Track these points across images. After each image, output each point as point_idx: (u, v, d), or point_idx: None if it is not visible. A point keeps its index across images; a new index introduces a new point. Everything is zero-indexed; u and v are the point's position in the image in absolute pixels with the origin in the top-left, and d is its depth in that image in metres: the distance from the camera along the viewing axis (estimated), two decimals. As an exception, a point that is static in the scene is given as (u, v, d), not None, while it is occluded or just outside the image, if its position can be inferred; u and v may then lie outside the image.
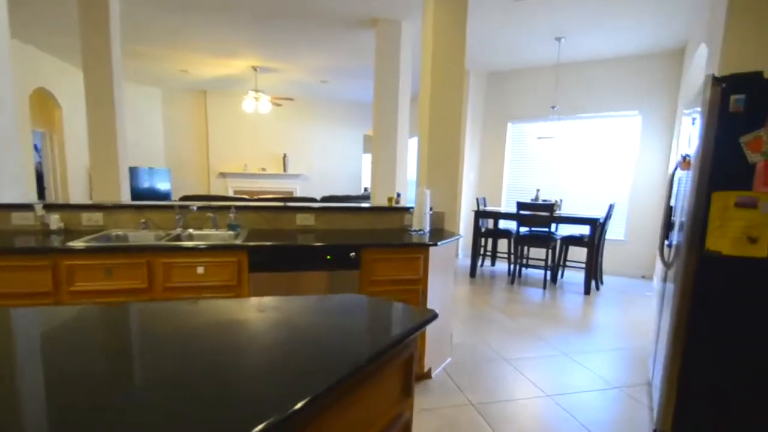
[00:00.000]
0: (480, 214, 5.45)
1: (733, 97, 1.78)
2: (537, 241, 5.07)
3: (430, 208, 3.04)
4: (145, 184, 8.04)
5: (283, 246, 2.31)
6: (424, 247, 2.49)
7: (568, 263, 5.87)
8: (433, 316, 1.26)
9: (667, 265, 2.40)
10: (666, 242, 2.46)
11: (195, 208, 2.69)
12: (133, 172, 7.69)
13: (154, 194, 8.11)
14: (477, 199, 5.81)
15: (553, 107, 5.46)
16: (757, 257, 1.79)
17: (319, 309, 1.31)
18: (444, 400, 2.48)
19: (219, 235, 2.66)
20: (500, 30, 4.88)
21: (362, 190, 10.05)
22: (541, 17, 4.52)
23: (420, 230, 2.87)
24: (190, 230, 2.67)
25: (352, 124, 9.62)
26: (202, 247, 2.22)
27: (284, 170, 9.32)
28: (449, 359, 3.05)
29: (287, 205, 2.88)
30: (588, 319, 3.97)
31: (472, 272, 5.52)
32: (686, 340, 1.98)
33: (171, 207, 2.74)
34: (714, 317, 1.90)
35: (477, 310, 4.12)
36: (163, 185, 8.42)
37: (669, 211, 2.43)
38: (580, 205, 6.24)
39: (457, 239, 2.89)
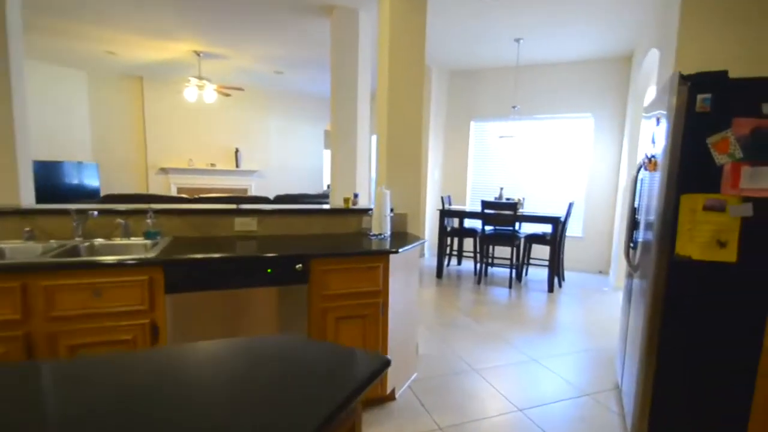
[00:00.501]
0: (445, 213, 5.40)
1: (699, 97, 1.76)
2: (502, 239, 5.08)
3: (391, 210, 2.92)
4: (73, 180, 7.37)
5: (207, 260, 1.96)
6: (383, 255, 2.36)
7: (531, 261, 5.94)
8: (384, 364, 1.01)
9: (633, 268, 2.41)
10: (631, 244, 2.46)
11: (95, 213, 2.28)
12: (55, 167, 7.02)
13: (82, 193, 7.47)
14: (442, 198, 5.77)
15: (513, 107, 5.49)
16: (726, 261, 1.79)
17: (224, 372, 0.95)
18: (409, 425, 2.33)
19: (130, 246, 2.32)
20: (461, 28, 4.83)
21: (324, 188, 9.84)
22: (499, 18, 4.50)
23: (380, 235, 2.75)
24: (98, 240, 2.31)
25: (311, 118, 9.37)
26: (100, 262, 1.81)
27: (236, 166, 8.94)
28: (415, 375, 2.94)
29: (222, 208, 2.65)
30: (553, 319, 3.99)
31: (439, 273, 5.47)
32: (659, 348, 1.96)
33: (66, 212, 2.30)
34: (686, 323, 1.89)
35: (444, 315, 4.06)
36: (93, 182, 7.79)
37: (633, 212, 2.43)
38: (541, 204, 6.33)
39: (421, 244, 2.79)
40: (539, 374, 2.94)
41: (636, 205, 2.44)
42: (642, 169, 2.32)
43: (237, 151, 8.89)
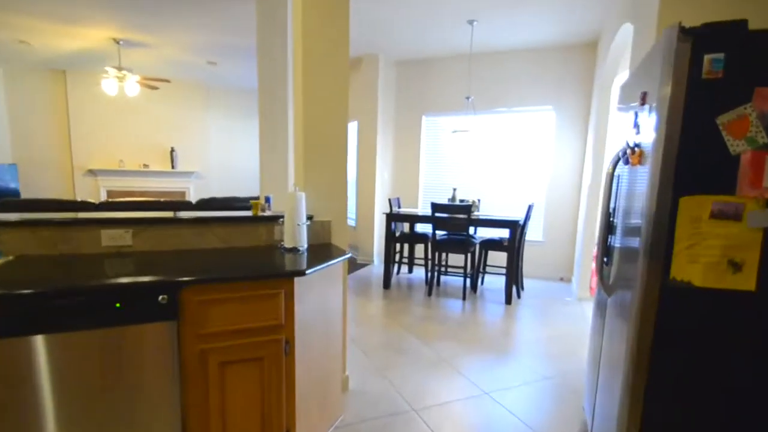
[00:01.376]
0: (392, 218, 4.82)
1: (707, 57, 1.23)
2: (455, 246, 4.55)
3: (309, 217, 2.30)
4: (-2, 183, 6.42)
5: (16, 296, 1.33)
6: (284, 279, 1.73)
7: (488, 268, 5.46)
8: None
9: (607, 290, 1.88)
10: (605, 258, 1.94)
11: None
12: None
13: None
14: (390, 200, 5.18)
15: (467, 98, 4.99)
16: (742, 290, 1.27)
17: None
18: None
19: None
20: (408, 10, 4.26)
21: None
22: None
23: (294, 248, 2.12)
24: None
25: (252, 115, 8.58)
26: None
27: (172, 167, 8.07)
28: (341, 417, 2.33)
29: (83, 218, 1.96)
30: (511, 339, 3.48)
31: (386, 283, 4.88)
32: (645, 403, 1.43)
33: None
34: (685, 372, 1.37)
35: (388, 335, 3.46)
36: (12, 185, 6.83)
37: (608, 217, 1.91)
38: (498, 206, 5.87)
39: (344, 259, 2.18)
40: (491, 414, 2.39)
41: (611, 208, 1.92)
42: (619, 162, 1.80)
43: (173, 150, 8.01)
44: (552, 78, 5.42)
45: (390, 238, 4.85)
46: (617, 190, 1.87)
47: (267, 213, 2.31)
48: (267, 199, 2.40)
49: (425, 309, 4.15)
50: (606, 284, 1.88)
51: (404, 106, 6.24)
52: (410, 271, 5.70)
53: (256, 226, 2.29)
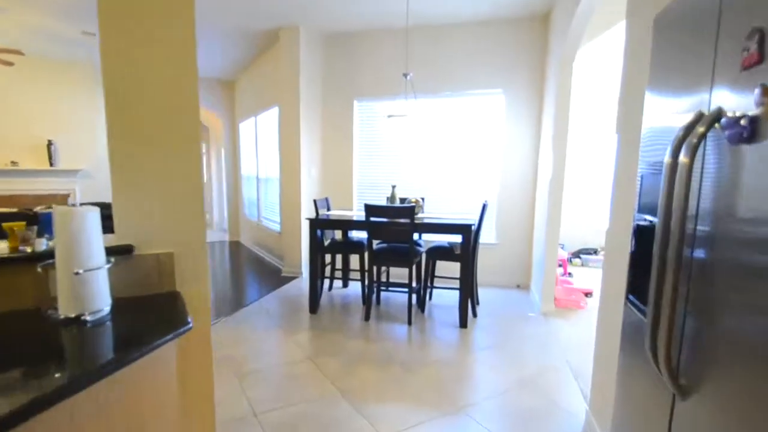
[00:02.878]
0: (316, 224, 3.79)
1: None
2: (396, 258, 3.62)
3: (127, 250, 1.25)
4: None
5: None
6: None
7: (437, 278, 4.59)
8: None
9: (678, 387, 0.98)
10: (645, 307, 1.04)
11: None
12: None
13: None
14: (315, 202, 4.15)
15: (405, 75, 4.06)
16: None
17: None
18: None
19: None
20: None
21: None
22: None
23: (78, 318, 1.06)
24: None
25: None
26: None
27: (51, 164, 6.50)
28: None
29: None
30: (473, 391, 2.59)
31: (313, 306, 3.85)
32: None
33: None
34: None
35: (306, 400, 2.45)
36: None
37: (682, 232, 1.01)
38: (445, 205, 5.02)
39: (177, 335, 1.15)
40: None
41: (679, 215, 1.02)
42: (700, 144, 0.89)
43: (50, 144, 6.44)
44: (500, 56, 4.63)
45: (316, 249, 3.83)
46: (704, 178, 0.97)
47: (31, 248, 1.22)
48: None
49: (362, 343, 3.18)
50: (669, 369, 0.98)
51: (332, 88, 5.21)
52: (345, 285, 4.71)
53: (15, 273, 1.19)
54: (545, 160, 4.16)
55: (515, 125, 4.68)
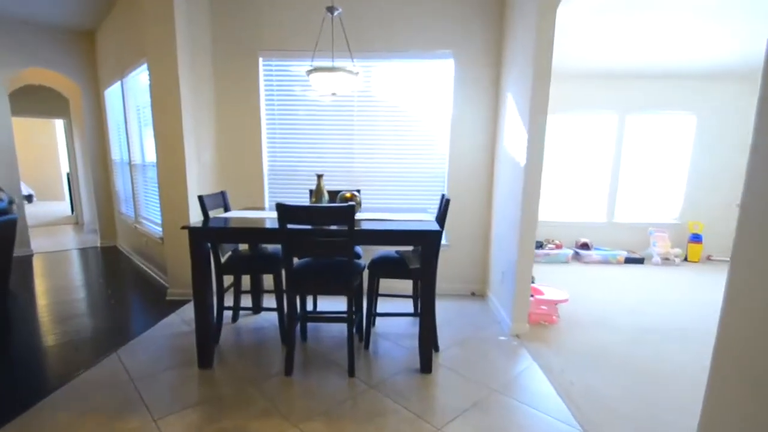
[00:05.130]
0: (199, 234, 2.50)
1: None
2: (328, 282, 2.48)
3: None
4: None
5: None
6: None
7: (380, 298, 3.53)
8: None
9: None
10: None
11: None
12: None
13: None
14: (201, 200, 2.82)
15: (331, 10, 2.87)
16: None
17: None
18: None
19: None
20: None
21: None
22: None
23: None
24: None
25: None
26: None
27: None
28: None
29: None
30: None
31: (203, 357, 2.57)
32: None
33: None
34: None
35: None
36: None
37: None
38: (385, 197, 3.96)
39: None
40: None
41: None
42: None
43: None
44: (450, 9, 3.61)
45: (203, 271, 2.54)
46: None
47: None
48: None
49: (278, 423, 2.02)
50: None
51: (226, 38, 3.82)
52: (257, 311, 3.46)
53: None
54: (511, 142, 3.26)
55: (466, 97, 3.73)
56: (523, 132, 2.98)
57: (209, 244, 2.60)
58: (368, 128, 3.85)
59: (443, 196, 2.98)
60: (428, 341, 2.48)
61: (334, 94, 2.73)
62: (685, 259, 5.40)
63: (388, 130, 3.84)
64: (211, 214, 3.48)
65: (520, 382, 2.39)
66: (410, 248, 3.04)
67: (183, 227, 2.50)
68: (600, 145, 5.53)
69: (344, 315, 3.22)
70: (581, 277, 4.65)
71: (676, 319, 3.39)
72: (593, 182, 5.61)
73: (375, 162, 3.89)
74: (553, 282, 4.39)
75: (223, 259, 2.94)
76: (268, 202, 3.99)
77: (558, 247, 5.41)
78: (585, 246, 5.49)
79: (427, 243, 2.41)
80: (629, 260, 5.29)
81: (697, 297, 4.00)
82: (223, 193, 3.17)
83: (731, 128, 5.36)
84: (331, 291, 2.47)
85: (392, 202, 3.94)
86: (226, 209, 3.19)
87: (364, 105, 3.82)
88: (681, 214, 5.57)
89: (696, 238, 5.34)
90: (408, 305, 3.64)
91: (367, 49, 3.70)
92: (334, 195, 3.26)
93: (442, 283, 3.99)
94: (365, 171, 3.90)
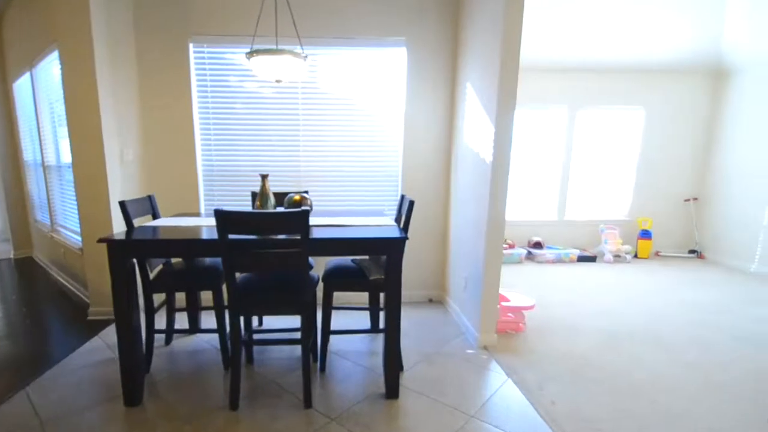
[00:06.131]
0: (122, 248, 2.06)
1: None
2: (277, 298, 2.12)
3: None
4: None
5: None
6: None
7: (338, 308, 3.20)
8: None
9: None
10: None
11: None
12: None
13: None
14: (122, 206, 2.37)
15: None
16: None
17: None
18: None
19: None
20: None
21: None
22: None
23: None
24: None
25: None
26: None
27: None
28: None
29: None
30: None
31: (131, 393, 2.14)
32: None
33: None
34: None
35: None
36: None
37: None
38: (336, 197, 3.63)
39: None
40: None
41: None
42: None
43: None
44: (406, -7, 3.37)
45: (126, 285, 2.10)
46: None
47: None
48: None
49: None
50: None
51: (150, 20, 3.33)
52: (194, 330, 3.01)
53: None
54: (473, 137, 3.04)
55: (421, 88, 3.49)
56: (488, 126, 2.77)
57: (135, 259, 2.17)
58: (315, 123, 3.51)
59: (404, 197, 2.71)
60: (394, 362, 2.19)
61: (278, 80, 2.37)
62: (635, 256, 5.50)
63: (338, 125, 3.53)
64: (138, 222, 3.00)
65: (498, 404, 2.16)
66: (367, 256, 2.74)
67: (100, 240, 2.05)
68: (550, 140, 5.50)
69: (297, 336, 2.87)
70: (537, 277, 4.56)
71: (640, 320, 3.33)
72: (544, 179, 5.58)
73: (324, 160, 3.56)
74: (509, 284, 4.26)
75: (152, 275, 2.50)
76: (204, 207, 3.54)
77: (511, 246, 5.32)
78: (538, 245, 5.45)
79: (393, 252, 2.12)
80: (582, 258, 5.30)
81: (654, 295, 4.00)
82: (150, 198, 2.72)
83: (679, 122, 5.50)
84: (282, 310, 2.12)
85: (344, 203, 3.62)
86: (155, 216, 2.73)
87: (310, 97, 3.47)
88: (630, 211, 5.66)
89: (645, 235, 5.45)
90: (363, 318, 3.34)
91: (312, 36, 3.36)
92: (280, 197, 2.89)
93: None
94: (313, 170, 3.56)
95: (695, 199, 5.63)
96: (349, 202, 3.62)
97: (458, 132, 3.40)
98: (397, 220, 2.72)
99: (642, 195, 5.63)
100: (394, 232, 2.19)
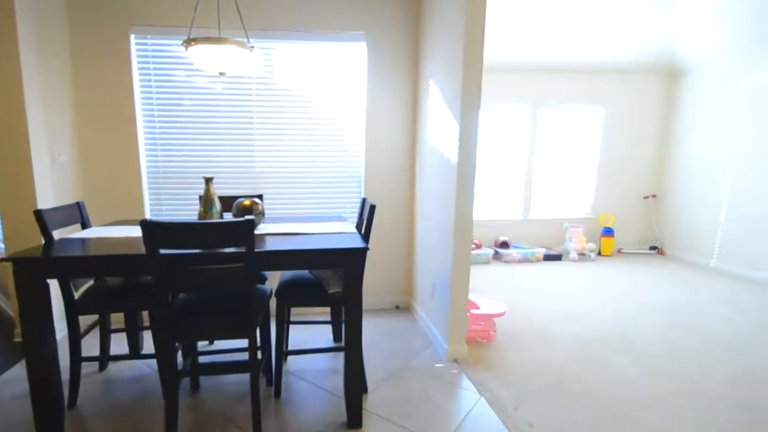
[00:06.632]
0: (36, 267, 1.70)
1: None
2: (220, 321, 1.81)
3: None
4: None
5: None
6: None
7: (293, 320, 2.89)
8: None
9: None
10: None
11: None
12: None
13: None
14: (40, 217, 1.98)
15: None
16: None
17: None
18: None
19: None
20: None
21: None
22: None
23: None
24: None
25: None
26: None
27: None
28: None
29: None
30: None
31: None
32: None
33: None
34: None
35: None
36: None
37: None
38: (296, 203, 3.32)
39: None
40: None
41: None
42: None
43: None
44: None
45: (38, 307, 1.74)
46: None
47: None
48: None
49: None
50: None
51: (86, 5, 2.92)
52: (134, 354, 2.63)
53: None
54: (438, 136, 2.81)
55: (383, 87, 3.24)
56: (453, 125, 2.53)
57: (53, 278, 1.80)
58: (271, 121, 3.19)
59: (365, 200, 2.45)
60: (356, 386, 1.92)
61: (222, 73, 2.05)
62: (599, 254, 5.44)
63: (295, 124, 3.22)
64: (64, 233, 2.60)
65: (471, 430, 1.92)
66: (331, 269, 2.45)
67: (2, 260, 1.68)
68: (514, 139, 5.37)
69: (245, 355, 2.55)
70: (505, 279, 4.39)
71: (612, 324, 3.20)
72: (509, 178, 5.44)
73: (281, 161, 3.24)
74: (477, 286, 4.07)
75: (78, 293, 2.12)
76: (150, 213, 3.16)
77: (478, 246, 5.16)
78: (504, 245, 5.31)
79: (352, 264, 1.84)
80: (548, 257, 5.19)
81: (624, 296, 3.90)
82: (79, 205, 2.34)
83: (637, 121, 5.48)
84: (227, 334, 1.80)
85: (303, 207, 3.32)
86: (85, 226, 2.35)
87: (265, 94, 3.15)
88: (593, 209, 5.61)
89: (608, 232, 5.40)
90: (325, 331, 3.06)
91: (265, 28, 3.03)
92: (230, 202, 2.57)
93: (364, 295, 3.46)
94: (269, 171, 3.24)
95: (654, 196, 5.63)
96: (308, 206, 3.32)
97: (422, 131, 3.16)
98: (359, 225, 2.45)
99: (604, 193, 5.59)
100: (354, 242, 1.92)
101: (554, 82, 5.25)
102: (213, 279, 1.65)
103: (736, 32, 4.42)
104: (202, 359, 2.56)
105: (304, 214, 3.31)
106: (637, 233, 5.70)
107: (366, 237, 2.14)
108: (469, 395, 2.22)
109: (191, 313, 1.79)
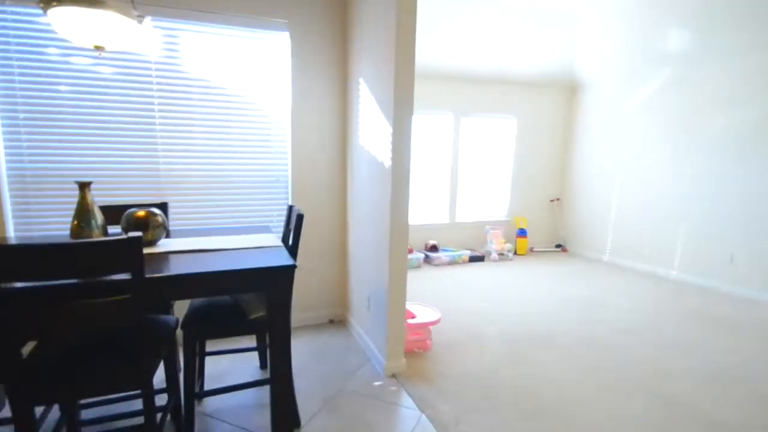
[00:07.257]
0: None
1: None
2: (95, 372, 1.33)
3: None
4: None
5: None
6: None
7: (209, 351, 2.40)
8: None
9: None
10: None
11: None
12: None
13: None
14: None
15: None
16: None
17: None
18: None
19: None
20: None
21: None
22: None
23: None
24: None
25: None
26: None
27: None
28: None
29: None
30: None
31: None
32: None
33: None
34: None
35: None
36: None
37: None
38: (211, 212, 2.82)
39: None
40: None
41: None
42: None
43: None
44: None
45: None
46: None
47: None
48: None
49: None
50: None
51: None
52: (-10, 406, 1.97)
53: None
54: (370, 138, 2.53)
55: (309, 82, 2.88)
56: (386, 128, 2.26)
57: None
58: (178, 116, 2.66)
59: (291, 208, 2.07)
60: (286, 421, 1.54)
61: (99, 48, 1.56)
62: (515, 253, 5.56)
63: (209, 120, 2.73)
64: None
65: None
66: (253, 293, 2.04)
67: None
68: (439, 145, 5.30)
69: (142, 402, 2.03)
70: (436, 282, 4.25)
71: (534, 322, 3.16)
72: (436, 183, 5.36)
73: (191, 162, 2.72)
74: (411, 292, 3.87)
75: None
76: (14, 228, 2.44)
77: (409, 251, 4.98)
78: (434, 248, 5.20)
79: (277, 285, 1.48)
80: (472, 258, 5.17)
81: (536, 292, 3.93)
82: None
83: (543, 130, 5.71)
84: (108, 388, 1.33)
85: (220, 217, 2.83)
86: None
87: (169, 83, 2.61)
88: (509, 211, 5.73)
89: (522, 233, 5.54)
90: (252, 358, 2.61)
91: (168, 5, 2.52)
92: (119, 213, 2.03)
93: (293, 312, 3.06)
94: (177, 175, 2.70)
95: (558, 199, 5.92)
96: (227, 215, 2.84)
97: (353, 133, 2.85)
98: (285, 237, 2.08)
99: (517, 197, 5.74)
100: (279, 258, 1.55)
101: (473, 91, 5.26)
102: (83, 320, 1.18)
103: (627, 51, 4.76)
104: (88, 411, 1.98)
105: (222, 224, 2.82)
106: (546, 233, 5.96)
107: (294, 250, 1.78)
108: (410, 414, 1.95)
109: (56, 363, 1.29)
